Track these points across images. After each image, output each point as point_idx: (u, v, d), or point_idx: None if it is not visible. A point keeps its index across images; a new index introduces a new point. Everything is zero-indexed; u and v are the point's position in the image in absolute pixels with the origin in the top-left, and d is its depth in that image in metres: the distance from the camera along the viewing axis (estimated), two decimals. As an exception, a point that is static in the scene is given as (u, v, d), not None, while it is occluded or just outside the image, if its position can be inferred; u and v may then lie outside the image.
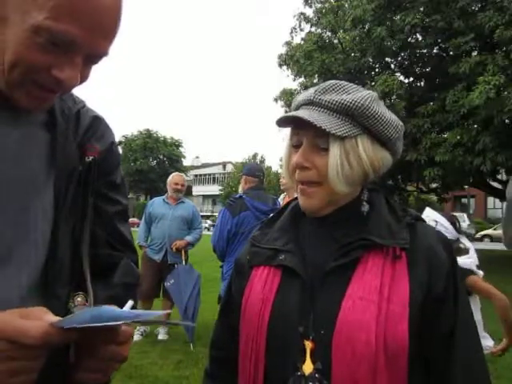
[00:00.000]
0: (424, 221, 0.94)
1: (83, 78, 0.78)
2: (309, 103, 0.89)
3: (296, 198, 1.04)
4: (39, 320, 0.64)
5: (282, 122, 0.92)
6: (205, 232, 6.74)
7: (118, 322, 0.67)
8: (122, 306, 0.91)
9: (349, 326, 0.80)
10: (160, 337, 4.96)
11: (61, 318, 0.65)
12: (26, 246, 0.80)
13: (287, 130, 0.96)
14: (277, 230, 0.97)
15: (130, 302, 0.78)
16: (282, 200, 4.71)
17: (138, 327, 4.95)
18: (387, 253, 0.84)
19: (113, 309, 0.71)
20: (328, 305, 0.84)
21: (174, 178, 5.26)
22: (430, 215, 2.61)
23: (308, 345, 0.83)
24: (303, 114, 0.86)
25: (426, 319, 0.83)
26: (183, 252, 5.00)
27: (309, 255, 0.90)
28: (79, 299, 0.87)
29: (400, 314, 0.80)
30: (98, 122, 0.96)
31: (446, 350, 0.84)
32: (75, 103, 0.93)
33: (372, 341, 0.78)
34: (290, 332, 0.85)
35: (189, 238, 5.07)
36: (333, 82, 0.90)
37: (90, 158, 0.90)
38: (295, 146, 0.92)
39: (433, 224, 2.50)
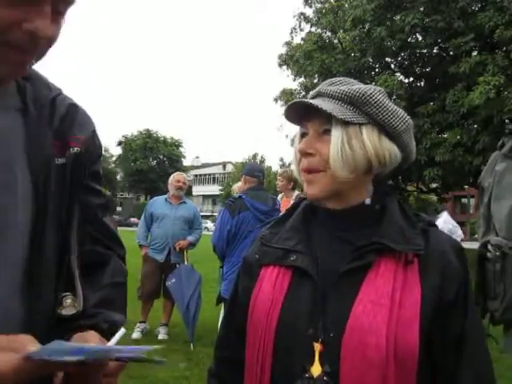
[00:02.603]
0: (437, 226, 0.93)
1: (53, 37, 0.75)
2: (316, 95, 0.93)
3: (305, 198, 1.03)
4: (16, 351, 0.60)
5: (290, 115, 0.94)
6: (205, 232, 6.74)
7: (97, 357, 0.63)
8: (113, 307, 0.88)
9: (359, 330, 0.79)
10: (160, 337, 4.95)
11: (38, 349, 0.61)
12: (5, 242, 0.75)
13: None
14: (287, 229, 0.96)
15: (122, 330, 0.75)
16: (281, 201, 4.72)
17: (138, 325, 4.95)
18: (400, 258, 0.84)
19: (93, 346, 0.68)
20: (339, 307, 0.83)
21: (175, 176, 5.27)
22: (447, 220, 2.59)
23: (317, 347, 0.82)
24: (310, 101, 0.88)
25: (436, 325, 0.82)
26: (185, 252, 5.01)
27: (320, 256, 0.89)
28: (68, 301, 0.83)
29: (411, 318, 0.79)
30: (75, 110, 0.91)
31: (455, 356, 0.84)
32: (50, 91, 0.89)
33: (382, 345, 0.77)
34: (299, 333, 0.84)
35: (191, 238, 5.08)
36: (342, 77, 0.94)
37: (75, 149, 0.86)
38: (303, 134, 0.93)
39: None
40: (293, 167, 0.98)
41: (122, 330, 0.75)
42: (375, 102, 0.87)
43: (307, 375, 0.82)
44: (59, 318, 0.82)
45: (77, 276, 0.84)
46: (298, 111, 0.92)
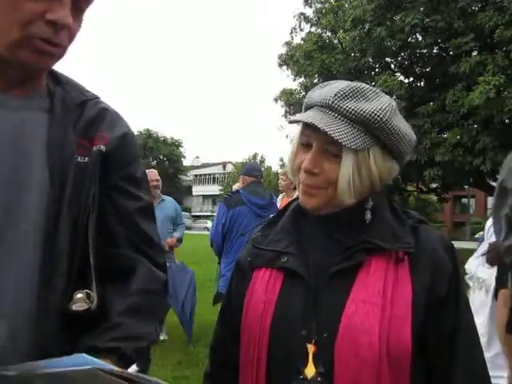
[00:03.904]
0: (426, 223, 0.93)
1: (73, 32, 0.81)
2: (325, 106, 0.85)
3: (296, 199, 1.03)
4: None
5: (294, 120, 0.91)
6: (205, 232, 6.74)
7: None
8: (141, 316, 0.85)
9: (352, 330, 0.79)
10: (161, 337, 4.89)
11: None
12: (17, 234, 0.78)
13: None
14: (278, 231, 0.96)
15: (134, 368, 0.72)
16: (281, 200, 4.71)
17: None
18: (390, 256, 0.84)
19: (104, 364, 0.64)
20: (331, 308, 0.83)
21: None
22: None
23: (310, 348, 0.82)
24: (318, 118, 0.83)
25: (428, 321, 0.83)
26: (175, 250, 4.93)
27: (311, 257, 0.89)
28: (79, 296, 0.81)
29: (403, 317, 0.80)
30: (106, 113, 0.93)
31: (448, 353, 0.84)
32: (82, 94, 0.92)
33: (375, 344, 0.78)
34: (292, 335, 0.85)
35: (177, 234, 4.97)
36: (353, 85, 0.86)
37: (99, 146, 0.87)
38: (304, 144, 0.89)
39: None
40: (287, 166, 0.97)
41: (134, 368, 0.71)
42: (388, 129, 0.84)
43: (301, 377, 0.82)
44: (74, 315, 0.80)
45: (93, 273, 0.83)
46: (308, 125, 0.87)
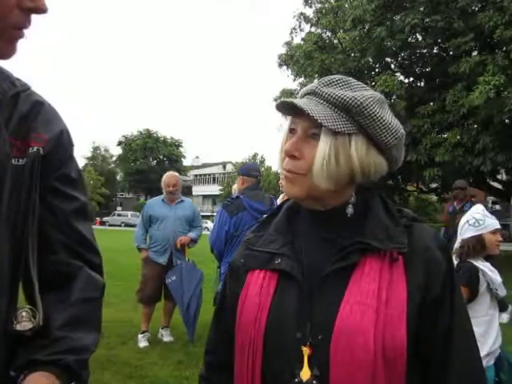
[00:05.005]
0: (420, 221, 0.92)
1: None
2: (311, 93, 0.88)
3: (290, 199, 1.02)
4: None
5: (281, 109, 0.90)
6: (205, 232, 6.72)
7: None
8: (84, 327, 0.79)
9: (347, 331, 0.79)
10: (166, 339, 4.88)
11: None
12: None
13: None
14: (272, 231, 0.95)
15: None
16: (280, 200, 4.71)
17: (142, 335, 4.78)
18: (384, 256, 0.83)
19: None
20: (326, 310, 0.83)
21: (165, 180, 5.04)
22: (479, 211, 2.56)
23: (305, 351, 0.82)
24: (300, 101, 0.85)
25: (423, 321, 0.82)
26: (186, 249, 4.94)
27: (306, 258, 0.89)
28: (23, 314, 0.75)
29: (398, 317, 0.79)
30: (40, 107, 0.84)
31: (443, 353, 0.84)
32: (14, 86, 0.82)
33: (370, 346, 0.77)
34: (287, 338, 0.84)
35: (192, 235, 4.97)
36: (340, 76, 0.89)
37: (36, 148, 0.79)
38: (292, 129, 0.90)
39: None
40: (283, 181, 0.97)
41: None
42: (369, 115, 0.83)
43: (297, 380, 0.82)
44: (20, 334, 0.75)
45: (36, 287, 0.77)
46: (290, 106, 0.88)
